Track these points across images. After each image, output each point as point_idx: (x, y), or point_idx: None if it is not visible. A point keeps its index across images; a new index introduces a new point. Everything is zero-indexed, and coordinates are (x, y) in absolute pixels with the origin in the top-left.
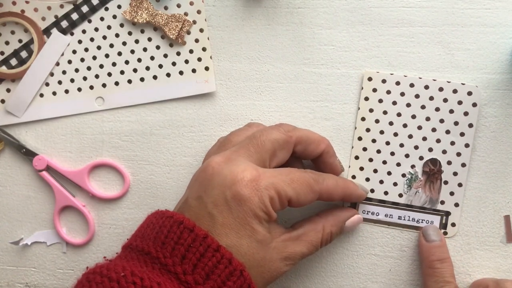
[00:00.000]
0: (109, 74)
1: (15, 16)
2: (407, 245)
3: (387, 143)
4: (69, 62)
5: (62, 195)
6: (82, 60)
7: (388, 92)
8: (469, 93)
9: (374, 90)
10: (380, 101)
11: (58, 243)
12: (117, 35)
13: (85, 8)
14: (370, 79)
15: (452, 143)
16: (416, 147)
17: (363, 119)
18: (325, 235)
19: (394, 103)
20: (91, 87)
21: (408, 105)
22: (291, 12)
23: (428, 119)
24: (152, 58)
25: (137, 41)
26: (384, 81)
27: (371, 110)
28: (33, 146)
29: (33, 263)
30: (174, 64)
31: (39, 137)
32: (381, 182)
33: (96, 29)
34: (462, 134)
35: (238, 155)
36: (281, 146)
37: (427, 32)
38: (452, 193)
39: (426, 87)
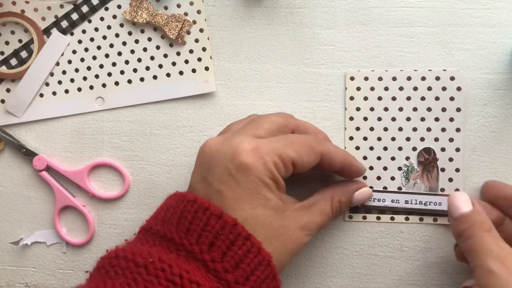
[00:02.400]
0: (109, 74)
1: (15, 16)
2: (407, 245)
3: (379, 139)
4: (69, 62)
5: (62, 195)
6: (82, 60)
7: (372, 88)
8: (452, 78)
9: (358, 88)
10: (365, 98)
11: (58, 243)
12: (117, 35)
13: (85, 8)
14: (352, 78)
15: (443, 129)
16: (408, 139)
17: (351, 118)
18: (334, 203)
19: (380, 98)
20: (91, 87)
21: (394, 98)
22: (291, 12)
23: (415, 109)
24: (152, 58)
25: (137, 41)
26: (366, 78)
27: (358, 109)
28: (33, 146)
29: (33, 263)
30: (174, 64)
31: (39, 137)
32: (379, 178)
33: (96, 29)
34: (451, 119)
35: (234, 135)
36: (280, 128)
37: (427, 32)
38: (451, 179)
39: (409, 78)
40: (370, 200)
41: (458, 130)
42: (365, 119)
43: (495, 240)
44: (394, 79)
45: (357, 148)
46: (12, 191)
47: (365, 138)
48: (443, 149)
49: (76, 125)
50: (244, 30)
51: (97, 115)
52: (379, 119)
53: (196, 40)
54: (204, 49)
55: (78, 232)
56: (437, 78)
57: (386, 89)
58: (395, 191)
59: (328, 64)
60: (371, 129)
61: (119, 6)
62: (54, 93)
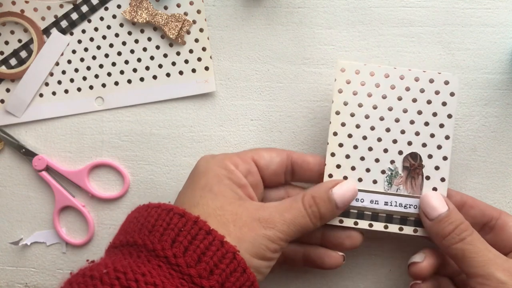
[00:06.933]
0: (109, 74)
1: (14, 16)
2: (407, 245)
3: (364, 137)
4: (69, 62)
5: (62, 195)
6: (82, 60)
7: (363, 83)
8: (446, 82)
9: (348, 81)
10: (355, 93)
11: (58, 243)
12: (116, 35)
13: (84, 8)
14: (343, 70)
15: (432, 135)
16: (394, 141)
17: (337, 113)
18: (306, 199)
19: (369, 95)
20: (91, 87)
21: (384, 96)
22: (291, 12)
23: (405, 111)
24: (151, 58)
25: (136, 41)
26: (357, 72)
27: (345, 103)
28: (33, 146)
29: (33, 263)
30: (174, 64)
31: (38, 137)
32: (360, 180)
33: (96, 29)
34: (441, 126)
35: None
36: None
37: (427, 32)
38: (435, 189)
39: (402, 77)
40: None
41: (447, 137)
42: (352, 115)
43: (486, 245)
44: (386, 76)
45: (341, 145)
46: (11, 191)
47: (349, 135)
48: (430, 156)
49: (75, 125)
50: (244, 30)
51: (96, 115)
52: (367, 116)
53: (196, 40)
54: (204, 49)
55: (78, 232)
56: (431, 81)
57: (377, 85)
58: (374, 190)
59: (328, 64)
60: (357, 126)
61: (118, 6)
62: (53, 93)
